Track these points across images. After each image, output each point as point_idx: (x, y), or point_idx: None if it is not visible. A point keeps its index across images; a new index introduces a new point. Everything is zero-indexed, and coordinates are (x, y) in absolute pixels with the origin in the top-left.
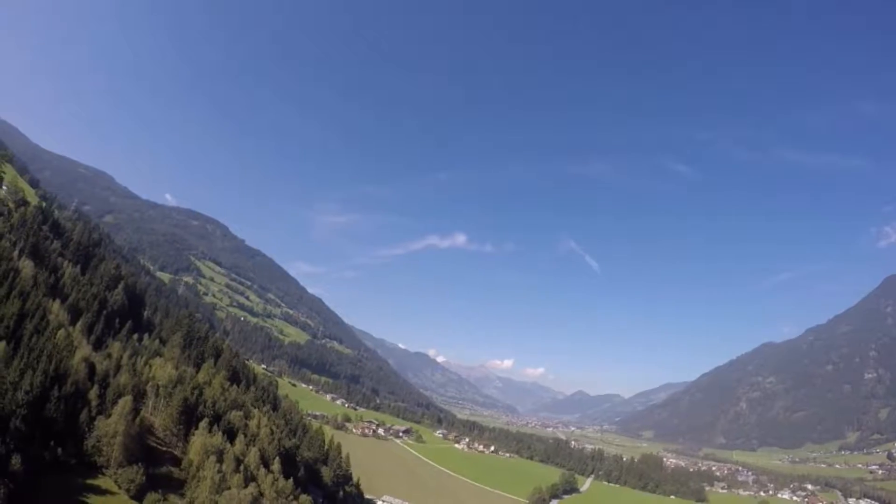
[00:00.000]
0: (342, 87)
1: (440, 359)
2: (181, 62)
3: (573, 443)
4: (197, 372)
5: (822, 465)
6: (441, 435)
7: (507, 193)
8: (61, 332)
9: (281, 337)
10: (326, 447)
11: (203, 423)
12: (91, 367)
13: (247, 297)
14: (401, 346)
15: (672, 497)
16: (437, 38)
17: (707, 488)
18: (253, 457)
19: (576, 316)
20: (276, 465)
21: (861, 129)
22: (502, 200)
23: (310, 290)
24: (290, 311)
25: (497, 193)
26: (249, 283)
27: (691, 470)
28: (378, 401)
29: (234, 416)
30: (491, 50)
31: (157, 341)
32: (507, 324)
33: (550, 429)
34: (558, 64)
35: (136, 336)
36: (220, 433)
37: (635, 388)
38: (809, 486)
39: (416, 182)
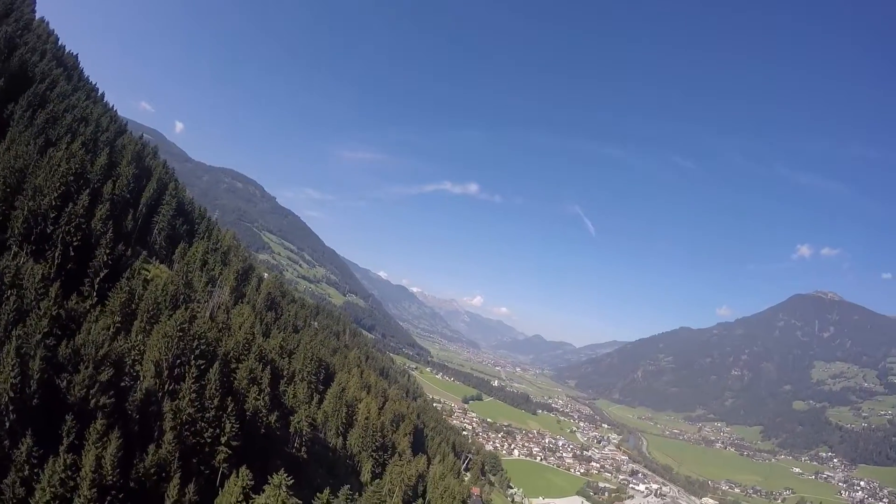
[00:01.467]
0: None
1: (415, 289)
2: None
3: (503, 381)
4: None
5: (650, 422)
6: (430, 370)
7: (526, 155)
8: None
9: (334, 302)
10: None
11: None
12: None
13: (300, 266)
14: (382, 275)
15: (521, 409)
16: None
17: (540, 411)
18: None
19: (557, 267)
20: None
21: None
22: (520, 160)
23: (308, 213)
24: (325, 272)
25: (517, 154)
26: (298, 251)
27: (549, 402)
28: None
29: None
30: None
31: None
32: (485, 265)
33: (498, 367)
34: (599, 56)
35: None
36: None
37: (587, 339)
38: (605, 426)
39: (444, 135)
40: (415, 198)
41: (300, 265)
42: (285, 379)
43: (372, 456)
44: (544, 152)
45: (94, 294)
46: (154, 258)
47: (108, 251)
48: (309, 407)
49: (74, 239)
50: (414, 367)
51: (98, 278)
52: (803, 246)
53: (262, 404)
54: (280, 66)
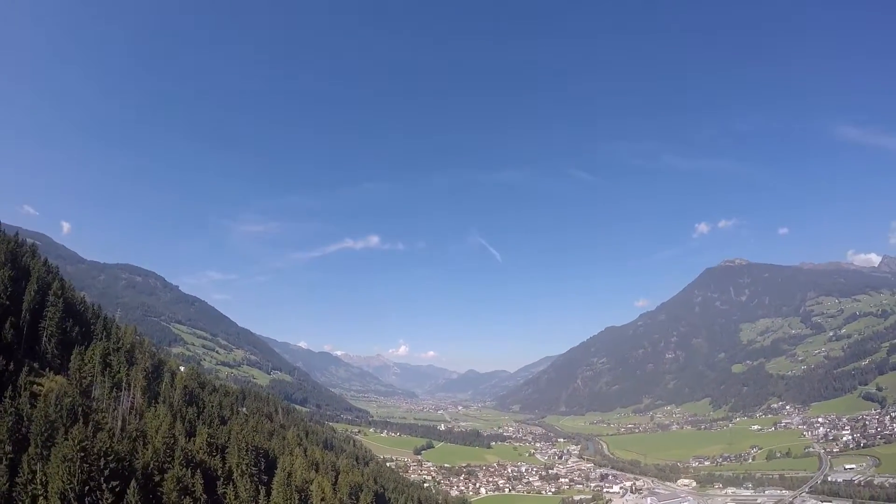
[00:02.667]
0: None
1: (339, 353)
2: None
3: (449, 423)
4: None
5: (603, 424)
6: (373, 430)
7: (421, 198)
8: None
9: (259, 383)
10: None
11: None
12: None
13: (217, 352)
14: (303, 345)
15: (475, 446)
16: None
17: (494, 443)
18: None
19: (473, 300)
20: None
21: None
22: (416, 204)
23: (215, 296)
24: (244, 354)
25: (412, 199)
26: (212, 337)
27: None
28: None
29: None
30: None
31: None
32: (404, 314)
33: (441, 411)
34: (464, 79)
35: None
36: None
37: (520, 362)
38: (561, 440)
39: (338, 192)
40: (318, 261)
41: (217, 351)
42: (222, 479)
43: None
44: (439, 191)
45: None
46: (47, 369)
47: None
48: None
49: None
50: (357, 430)
51: None
52: (701, 224)
53: None
54: (164, 145)
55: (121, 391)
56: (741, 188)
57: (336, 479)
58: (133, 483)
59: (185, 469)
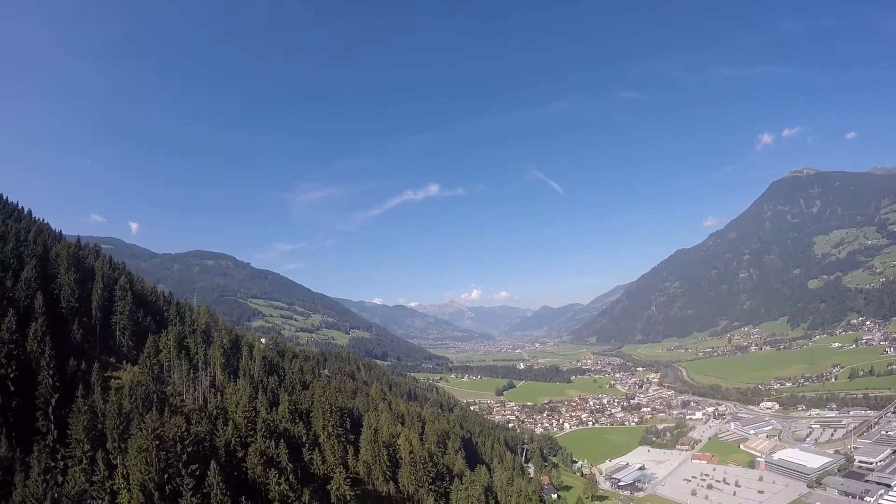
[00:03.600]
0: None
1: (413, 304)
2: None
3: (528, 362)
4: None
5: (681, 350)
6: (454, 376)
7: (474, 140)
8: None
9: (339, 343)
10: None
11: None
12: None
13: (295, 320)
14: (377, 301)
15: (556, 382)
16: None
17: (573, 377)
18: None
19: (540, 237)
20: None
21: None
22: (470, 147)
23: (287, 267)
24: (321, 318)
25: (465, 142)
26: (289, 306)
27: (578, 366)
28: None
29: None
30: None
31: None
32: (473, 258)
33: (518, 350)
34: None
35: None
36: None
37: (593, 293)
38: (640, 369)
39: (390, 146)
40: (381, 217)
41: (295, 319)
42: (307, 445)
43: (431, 489)
44: (489, 131)
45: (52, 426)
46: (124, 361)
47: (50, 371)
48: (343, 466)
49: (9, 370)
50: (438, 378)
51: (50, 406)
52: (764, 134)
53: (287, 487)
54: (216, 130)
55: (198, 372)
56: (800, 94)
57: (423, 430)
58: (213, 464)
59: (268, 440)
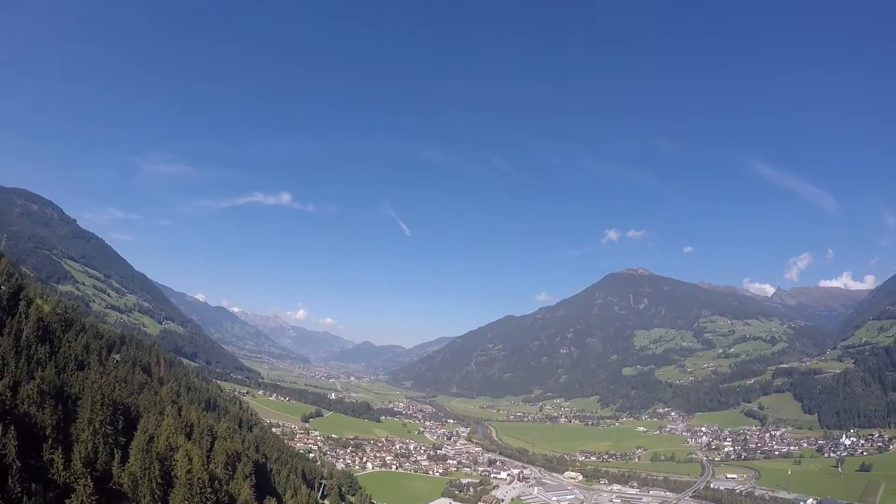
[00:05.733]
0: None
1: (236, 309)
2: None
3: (340, 393)
4: None
5: (493, 410)
6: (262, 393)
7: (338, 160)
8: None
9: (149, 332)
10: None
11: None
12: None
13: (108, 295)
14: (200, 297)
15: (365, 419)
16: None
17: (384, 417)
18: None
19: (378, 272)
20: None
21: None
22: (331, 165)
23: (114, 236)
24: (136, 299)
25: (328, 159)
26: (105, 278)
27: (391, 406)
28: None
29: None
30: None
31: None
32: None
33: (333, 380)
34: (402, 55)
35: None
36: None
37: (416, 339)
38: (451, 421)
39: (254, 143)
40: (226, 211)
41: (108, 294)
42: (50, 441)
43: None
44: (357, 156)
45: None
46: None
47: None
48: (106, 474)
49: None
50: (245, 391)
51: None
52: (611, 230)
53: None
54: (74, 68)
55: None
56: (654, 202)
57: (212, 446)
58: None
59: None
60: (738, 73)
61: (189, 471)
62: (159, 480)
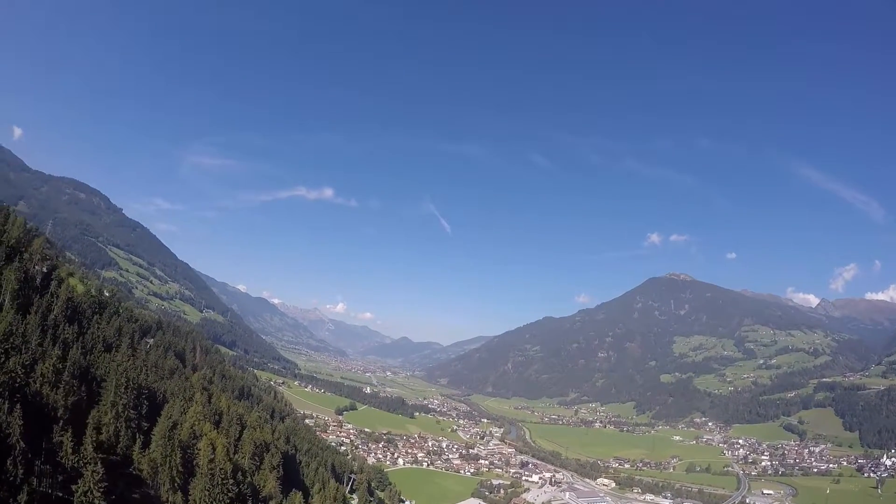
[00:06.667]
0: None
1: (276, 301)
2: None
3: (376, 387)
4: None
5: (527, 411)
6: (298, 384)
7: (381, 156)
8: None
9: (189, 319)
10: None
11: None
12: None
13: (151, 282)
14: (241, 288)
15: (399, 414)
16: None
17: (417, 413)
18: None
19: (418, 269)
20: None
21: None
22: (375, 161)
23: (159, 226)
24: (179, 287)
25: (371, 155)
26: (149, 266)
27: (425, 403)
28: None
29: None
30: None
31: None
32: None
33: (369, 374)
34: (458, 52)
35: None
36: None
37: (454, 337)
38: (485, 420)
39: (297, 138)
40: (269, 205)
41: (151, 281)
42: (60, 423)
43: None
44: (399, 152)
45: None
46: None
47: None
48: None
49: None
50: (281, 381)
51: None
52: (653, 234)
53: None
54: (127, 63)
55: None
56: (699, 206)
57: (240, 436)
58: None
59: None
60: (784, 76)
61: (211, 460)
62: (180, 469)
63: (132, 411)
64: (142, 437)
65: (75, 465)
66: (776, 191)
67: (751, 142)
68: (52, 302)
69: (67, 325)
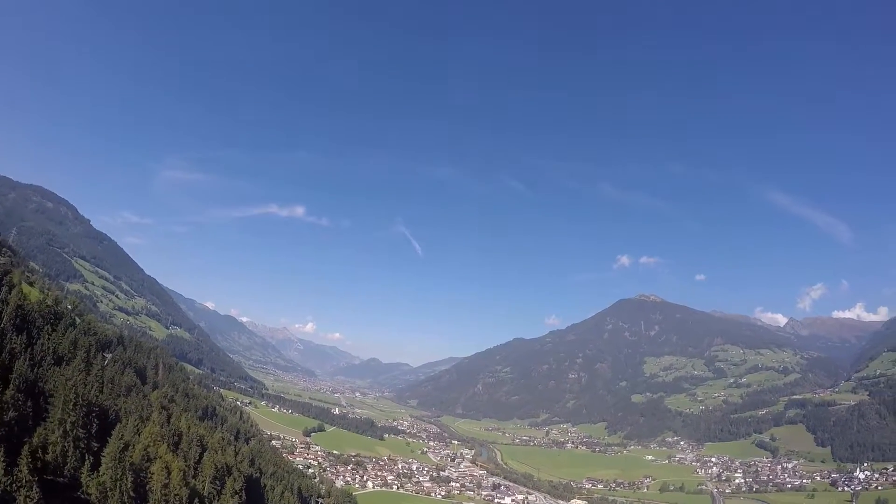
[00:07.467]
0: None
1: (244, 319)
2: None
3: (344, 409)
4: None
5: (498, 432)
6: (265, 404)
7: (354, 176)
8: None
9: (155, 336)
10: None
11: None
12: None
13: (117, 296)
14: (209, 305)
15: (368, 436)
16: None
17: (387, 435)
18: None
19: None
20: None
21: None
22: (347, 181)
23: (127, 239)
24: (145, 303)
25: (344, 175)
26: (115, 280)
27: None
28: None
29: None
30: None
31: None
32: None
33: (337, 394)
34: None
35: None
36: None
37: (424, 358)
38: (455, 442)
39: (270, 155)
40: (240, 221)
41: (117, 296)
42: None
43: None
44: (371, 172)
45: None
46: None
47: None
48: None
49: None
50: (248, 401)
51: None
52: (623, 256)
53: None
54: (103, 73)
55: None
56: (669, 229)
57: (200, 458)
58: None
59: None
60: (752, 96)
61: (166, 485)
62: (132, 494)
63: (81, 430)
64: (91, 458)
65: (7, 488)
66: (745, 213)
67: (720, 166)
68: (1, 309)
69: (16, 334)
